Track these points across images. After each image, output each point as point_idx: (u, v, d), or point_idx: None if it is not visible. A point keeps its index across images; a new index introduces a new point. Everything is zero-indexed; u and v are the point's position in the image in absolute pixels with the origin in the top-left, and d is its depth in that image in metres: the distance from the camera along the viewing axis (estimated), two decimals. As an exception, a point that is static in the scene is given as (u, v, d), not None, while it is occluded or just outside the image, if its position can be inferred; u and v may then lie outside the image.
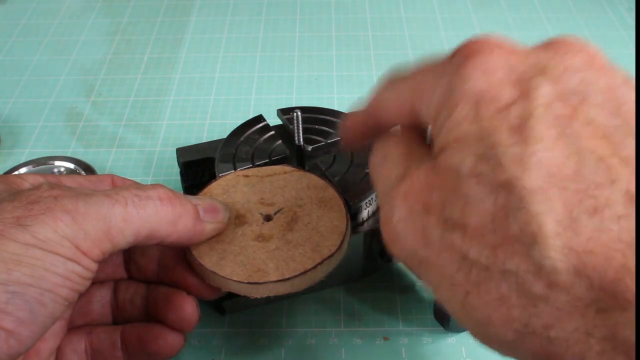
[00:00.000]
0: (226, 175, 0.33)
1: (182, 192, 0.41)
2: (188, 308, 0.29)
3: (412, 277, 0.38)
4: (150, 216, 0.26)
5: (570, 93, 0.20)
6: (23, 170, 0.45)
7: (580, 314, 0.17)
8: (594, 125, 0.19)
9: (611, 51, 0.58)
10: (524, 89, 0.20)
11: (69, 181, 0.28)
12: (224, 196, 0.32)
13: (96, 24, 0.64)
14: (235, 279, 0.28)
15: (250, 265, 0.28)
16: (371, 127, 0.28)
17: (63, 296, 0.23)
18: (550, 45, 0.22)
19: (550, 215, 0.17)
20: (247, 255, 0.29)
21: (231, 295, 0.35)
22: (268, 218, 0.31)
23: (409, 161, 0.23)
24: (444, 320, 0.34)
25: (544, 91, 0.20)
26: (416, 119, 0.24)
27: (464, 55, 0.21)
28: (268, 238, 0.30)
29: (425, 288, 0.22)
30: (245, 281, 0.28)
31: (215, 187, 0.32)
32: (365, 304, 0.37)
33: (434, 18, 0.64)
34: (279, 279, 0.28)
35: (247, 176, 0.33)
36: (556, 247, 0.17)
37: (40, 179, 0.27)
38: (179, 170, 0.40)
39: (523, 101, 0.19)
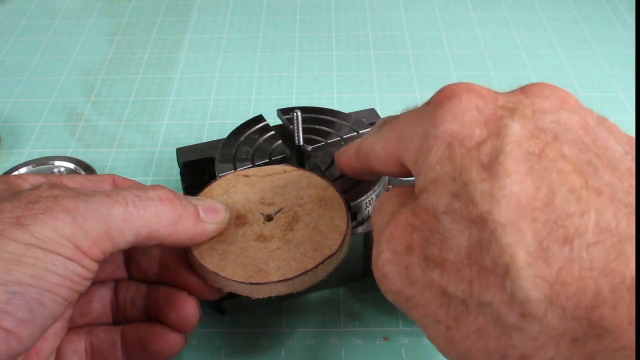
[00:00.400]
0: (226, 175, 0.33)
1: (182, 192, 0.41)
2: (189, 308, 0.29)
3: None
4: (150, 216, 0.26)
5: (541, 131, 0.20)
6: (23, 170, 0.45)
7: (555, 343, 0.17)
8: (565, 160, 0.19)
9: (611, 51, 0.58)
10: (494, 128, 0.20)
11: (69, 181, 0.28)
12: (224, 196, 0.32)
13: (96, 24, 0.64)
14: (236, 279, 0.28)
15: (252, 266, 0.28)
16: (364, 170, 0.29)
17: (63, 296, 0.23)
18: (520, 90, 0.23)
19: (520, 247, 0.18)
20: (248, 255, 0.29)
21: (231, 296, 0.35)
22: (269, 218, 0.31)
23: (398, 207, 0.23)
24: (444, 320, 0.34)
25: (514, 129, 0.20)
26: (403, 167, 0.25)
27: (437, 101, 0.22)
28: (269, 238, 0.30)
29: (417, 326, 0.22)
30: (247, 282, 0.28)
31: (215, 187, 0.33)
32: (365, 304, 0.37)
33: (434, 18, 0.64)
34: (281, 279, 0.28)
35: (247, 176, 0.33)
36: (528, 277, 0.18)
37: (41, 179, 0.27)
38: (179, 170, 0.40)
39: (493, 139, 0.20)
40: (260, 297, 0.28)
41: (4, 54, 0.60)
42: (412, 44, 0.60)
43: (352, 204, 0.34)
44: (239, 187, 0.32)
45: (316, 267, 0.28)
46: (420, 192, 0.22)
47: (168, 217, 0.26)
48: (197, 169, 0.40)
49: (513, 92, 0.23)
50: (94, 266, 0.24)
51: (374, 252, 0.23)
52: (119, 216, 0.25)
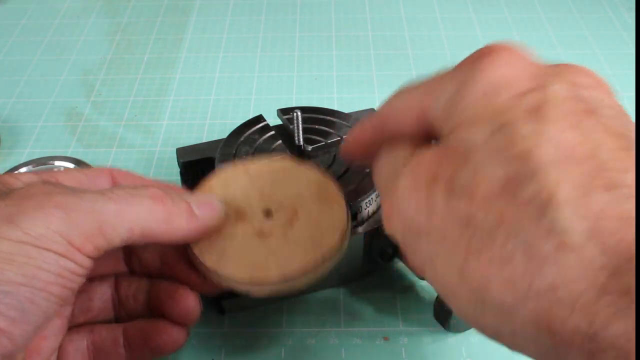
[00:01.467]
0: (225, 169, 0.33)
1: (182, 192, 0.41)
2: (190, 302, 0.29)
3: (412, 277, 0.38)
4: (141, 213, 0.25)
5: (583, 100, 0.20)
6: (23, 169, 0.45)
7: (591, 276, 0.17)
8: (607, 127, 0.19)
9: (611, 51, 0.58)
10: (539, 84, 0.20)
11: (65, 177, 0.28)
12: (224, 191, 0.32)
13: (96, 24, 0.64)
14: (236, 278, 0.28)
15: (251, 264, 0.28)
16: (377, 135, 0.27)
17: (56, 294, 0.23)
18: (557, 65, 0.23)
19: (565, 183, 0.18)
20: (248, 252, 0.29)
21: (231, 295, 0.35)
22: (268, 214, 0.31)
23: (411, 153, 0.23)
24: (444, 320, 0.34)
25: (560, 88, 0.20)
26: (424, 124, 0.24)
27: (479, 54, 0.22)
28: (268, 235, 0.30)
29: (415, 267, 0.22)
30: (247, 281, 0.28)
31: (214, 181, 0.32)
32: (365, 304, 0.37)
33: (434, 18, 0.64)
34: (280, 278, 0.28)
35: (246, 170, 0.33)
36: (570, 210, 0.17)
37: (34, 178, 0.27)
38: (179, 170, 0.40)
39: (538, 92, 0.20)
40: (260, 296, 0.28)
41: (4, 54, 0.60)
42: (412, 44, 0.60)
43: (352, 203, 0.34)
44: (238, 181, 0.32)
45: (316, 265, 0.28)
46: (452, 130, 0.21)
47: (160, 215, 0.26)
48: (197, 169, 0.40)
49: (553, 65, 0.23)
50: (88, 262, 0.24)
51: (387, 187, 0.23)
52: (111, 212, 0.24)
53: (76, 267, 0.23)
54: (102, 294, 0.30)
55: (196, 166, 0.39)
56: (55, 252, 0.23)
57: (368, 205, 0.35)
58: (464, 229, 0.19)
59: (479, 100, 0.21)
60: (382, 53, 0.59)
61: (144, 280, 0.31)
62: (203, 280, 0.29)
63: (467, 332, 0.35)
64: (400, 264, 0.38)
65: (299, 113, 0.35)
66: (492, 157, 0.19)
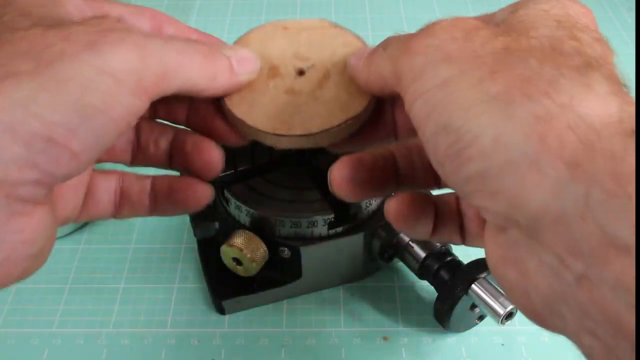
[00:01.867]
0: (264, 25, 0.33)
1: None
2: (214, 154, 0.29)
3: (412, 277, 0.38)
4: (194, 69, 0.26)
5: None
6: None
7: (604, 113, 0.19)
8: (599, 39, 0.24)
9: (611, 51, 0.58)
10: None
11: (110, 8, 0.28)
12: (260, 46, 0.32)
13: (96, 24, 0.64)
14: (261, 128, 0.28)
15: (278, 117, 0.29)
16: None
17: (121, 129, 0.23)
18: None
19: (601, 64, 0.21)
20: (276, 107, 0.29)
21: (231, 295, 0.35)
22: (301, 72, 0.31)
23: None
24: (444, 320, 0.34)
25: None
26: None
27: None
28: (298, 92, 0.30)
29: (413, 96, 0.22)
30: (271, 132, 0.28)
31: (252, 36, 0.32)
32: (365, 304, 0.37)
33: (434, 18, 0.64)
34: (303, 133, 0.28)
35: (285, 28, 0.33)
36: (603, 72, 0.21)
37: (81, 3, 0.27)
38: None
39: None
40: (282, 147, 0.29)
41: (4, 54, 0.60)
42: (412, 44, 0.60)
43: (352, 204, 0.34)
44: (276, 38, 0.32)
45: (339, 125, 0.28)
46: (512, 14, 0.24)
47: (208, 72, 0.26)
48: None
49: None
50: (147, 105, 0.24)
51: (418, 32, 0.24)
52: (173, 62, 0.25)
53: (139, 108, 0.24)
54: (124, 135, 0.30)
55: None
56: (128, 89, 0.23)
57: (368, 205, 0.35)
58: (500, 52, 0.21)
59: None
60: (382, 53, 0.59)
61: (169, 129, 0.30)
62: (229, 130, 0.29)
63: (467, 332, 0.35)
64: (400, 264, 0.38)
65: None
66: (549, 36, 0.22)
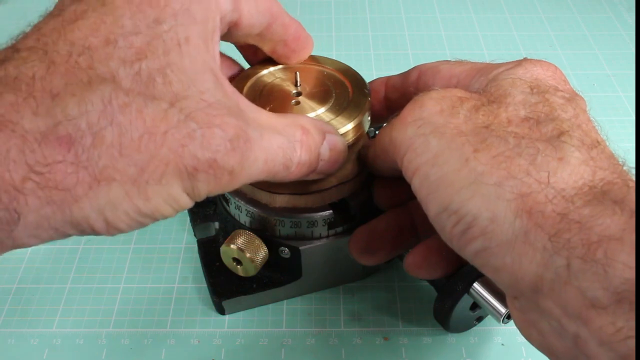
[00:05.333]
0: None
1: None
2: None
3: (412, 277, 0.38)
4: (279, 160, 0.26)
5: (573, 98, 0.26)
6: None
7: (578, 184, 0.22)
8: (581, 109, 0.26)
9: (611, 51, 0.58)
10: (564, 80, 0.27)
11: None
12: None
13: (96, 24, 0.64)
14: (258, 187, 0.33)
15: None
16: (415, 83, 0.32)
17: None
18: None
19: (566, 122, 0.23)
20: None
21: (231, 295, 0.35)
22: None
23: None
24: (444, 320, 0.34)
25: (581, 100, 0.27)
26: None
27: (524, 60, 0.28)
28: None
29: (410, 167, 0.25)
30: (266, 190, 0.33)
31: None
32: (365, 304, 0.37)
33: (434, 18, 0.64)
34: (297, 192, 0.32)
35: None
36: (576, 142, 0.22)
37: None
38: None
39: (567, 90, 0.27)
40: (278, 206, 0.33)
41: (4, 54, 0.60)
42: (412, 44, 0.60)
43: (352, 204, 0.34)
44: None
45: (330, 188, 0.33)
46: (491, 84, 0.26)
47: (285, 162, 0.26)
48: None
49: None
50: None
51: (410, 103, 0.26)
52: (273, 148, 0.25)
53: None
54: None
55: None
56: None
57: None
58: (481, 130, 0.23)
59: (520, 75, 0.26)
60: (382, 53, 0.59)
61: None
62: None
63: (467, 332, 0.35)
64: (400, 264, 0.38)
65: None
66: (523, 103, 0.24)
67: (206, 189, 0.23)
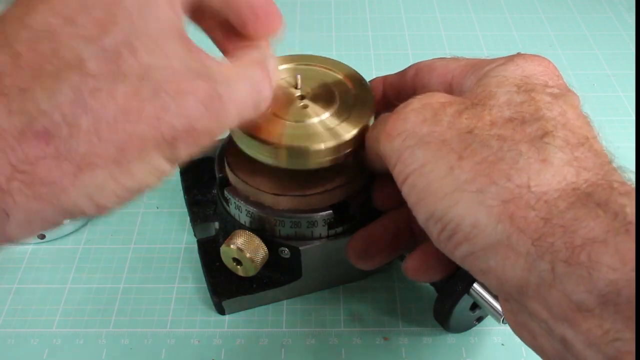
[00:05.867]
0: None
1: (182, 192, 0.41)
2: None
3: (412, 277, 0.38)
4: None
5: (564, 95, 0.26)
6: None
7: (561, 186, 0.21)
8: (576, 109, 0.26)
9: (611, 51, 0.58)
10: (558, 75, 0.28)
11: None
12: None
13: (96, 24, 0.64)
14: (262, 189, 0.33)
15: (277, 182, 0.33)
16: (408, 83, 0.32)
17: None
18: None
19: (551, 122, 0.23)
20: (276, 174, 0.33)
21: (231, 295, 0.35)
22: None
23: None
24: (444, 320, 0.34)
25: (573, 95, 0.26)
26: (449, 87, 0.29)
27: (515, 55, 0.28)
28: None
29: (399, 176, 0.25)
30: (269, 192, 0.33)
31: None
32: (365, 304, 0.37)
33: (434, 18, 0.64)
34: (299, 194, 0.33)
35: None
36: (559, 142, 0.22)
37: None
38: (178, 169, 0.40)
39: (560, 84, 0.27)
40: (281, 208, 0.33)
41: (4, 54, 0.60)
42: (412, 44, 0.60)
43: (352, 205, 0.34)
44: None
45: (333, 189, 0.33)
46: (478, 86, 0.26)
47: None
48: (197, 169, 0.40)
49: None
50: None
51: (393, 114, 0.26)
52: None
53: None
54: None
55: (196, 166, 0.39)
56: None
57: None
58: (465, 136, 0.23)
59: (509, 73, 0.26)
60: (382, 53, 0.59)
61: None
62: None
63: (467, 332, 0.35)
64: (400, 264, 0.38)
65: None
66: (508, 103, 0.24)
67: (187, 152, 0.23)
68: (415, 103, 0.25)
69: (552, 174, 0.21)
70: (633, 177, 0.22)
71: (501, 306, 0.24)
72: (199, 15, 0.28)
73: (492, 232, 0.21)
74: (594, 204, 0.20)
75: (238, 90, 0.25)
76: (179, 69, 0.22)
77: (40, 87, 0.20)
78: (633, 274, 0.18)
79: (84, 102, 0.20)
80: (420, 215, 0.24)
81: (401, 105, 0.26)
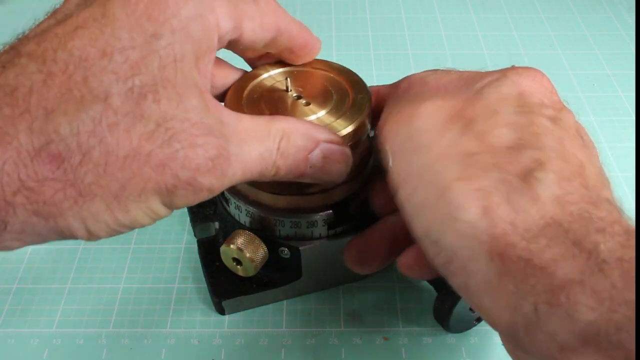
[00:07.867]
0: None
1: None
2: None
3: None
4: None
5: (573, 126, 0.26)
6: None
7: (542, 223, 0.21)
8: (586, 143, 0.26)
9: (611, 51, 0.58)
10: (556, 101, 0.26)
11: None
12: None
13: (96, 24, 0.64)
14: (260, 188, 0.33)
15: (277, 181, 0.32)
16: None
17: None
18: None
19: (553, 153, 0.23)
20: None
21: (231, 295, 0.35)
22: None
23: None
24: (444, 320, 0.34)
25: (570, 116, 0.26)
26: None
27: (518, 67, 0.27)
28: None
29: (395, 177, 0.25)
30: (268, 191, 0.33)
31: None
32: (365, 304, 0.37)
33: (434, 18, 0.64)
34: (298, 193, 0.33)
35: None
36: (552, 179, 0.22)
37: None
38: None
39: (557, 109, 0.26)
40: (280, 207, 0.33)
41: (4, 54, 0.60)
42: (412, 44, 0.60)
43: (352, 205, 0.34)
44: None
45: (334, 187, 0.33)
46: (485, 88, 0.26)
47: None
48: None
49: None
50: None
51: (406, 102, 0.26)
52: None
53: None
54: None
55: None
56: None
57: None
58: (465, 158, 0.23)
59: (514, 88, 0.26)
60: (382, 53, 0.59)
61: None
62: None
63: (467, 332, 0.35)
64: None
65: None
66: (508, 125, 0.24)
67: (184, 202, 0.24)
68: (435, 100, 0.26)
69: (538, 209, 0.21)
70: (620, 207, 0.23)
71: (500, 337, 0.24)
72: (233, 47, 0.29)
73: (486, 269, 0.21)
74: (571, 242, 0.20)
75: (250, 152, 0.25)
76: (195, 123, 0.23)
77: (63, 112, 0.21)
78: (611, 313, 0.18)
79: (101, 135, 0.21)
80: (415, 232, 0.24)
81: (419, 98, 0.26)
